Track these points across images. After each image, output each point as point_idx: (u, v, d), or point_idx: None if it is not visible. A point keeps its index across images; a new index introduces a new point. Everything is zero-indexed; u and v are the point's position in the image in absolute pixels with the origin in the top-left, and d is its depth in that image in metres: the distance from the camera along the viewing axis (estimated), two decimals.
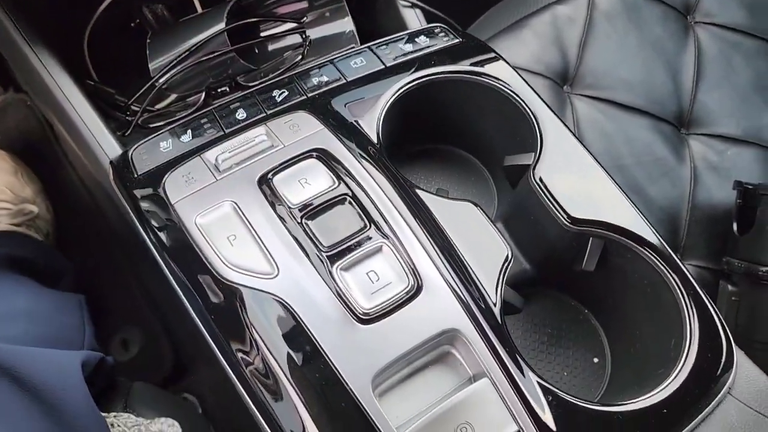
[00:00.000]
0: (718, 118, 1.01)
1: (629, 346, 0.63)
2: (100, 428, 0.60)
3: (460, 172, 0.76)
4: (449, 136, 0.76)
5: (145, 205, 0.59)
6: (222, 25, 0.73)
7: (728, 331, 0.55)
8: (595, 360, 0.66)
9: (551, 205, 0.59)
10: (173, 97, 0.79)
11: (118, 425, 0.65)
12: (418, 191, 0.59)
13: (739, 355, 0.55)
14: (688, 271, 0.57)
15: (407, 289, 0.52)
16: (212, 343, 0.53)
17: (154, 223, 0.58)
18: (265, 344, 0.50)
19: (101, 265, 1.11)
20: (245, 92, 0.67)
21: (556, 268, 0.64)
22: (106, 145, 0.67)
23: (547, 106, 0.65)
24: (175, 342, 1.12)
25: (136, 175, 0.61)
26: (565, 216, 0.59)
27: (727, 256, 0.90)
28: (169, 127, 0.65)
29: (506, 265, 0.56)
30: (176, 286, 0.56)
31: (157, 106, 0.78)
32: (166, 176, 0.59)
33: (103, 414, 0.64)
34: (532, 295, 0.69)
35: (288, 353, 0.50)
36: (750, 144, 1.01)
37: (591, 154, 0.62)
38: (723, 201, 0.95)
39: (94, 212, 1.09)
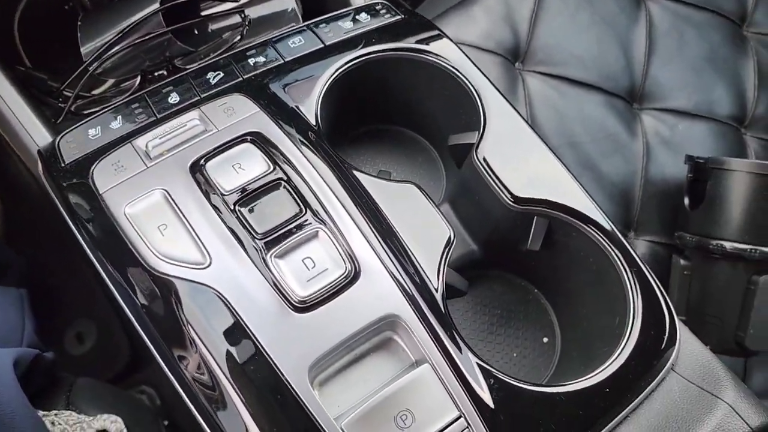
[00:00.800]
0: (670, 92, 1.01)
1: (577, 325, 0.63)
2: (36, 428, 0.58)
3: (408, 153, 0.75)
4: (396, 116, 0.74)
5: (72, 195, 0.56)
6: (156, 5, 0.70)
7: (671, 306, 0.55)
8: (545, 340, 0.65)
9: (494, 185, 0.58)
10: (111, 82, 0.76)
11: (59, 423, 0.63)
12: (358, 174, 0.57)
13: (682, 330, 0.55)
14: (632, 247, 0.56)
15: (344, 275, 0.50)
16: (146, 339, 0.52)
17: (82, 214, 0.55)
18: (198, 337, 0.49)
19: (54, 258, 1.08)
20: (178, 75, 0.65)
21: (502, 248, 0.63)
22: (36, 134, 0.64)
23: (491, 83, 0.64)
24: (130, 333, 1.09)
25: (63, 165, 0.58)
26: (509, 195, 0.58)
27: (679, 231, 0.90)
28: (98, 114, 0.62)
29: (448, 248, 0.55)
30: (108, 281, 0.53)
31: (95, 92, 0.75)
32: (95, 165, 0.57)
33: (44, 412, 0.62)
34: (480, 276, 0.68)
35: (223, 346, 0.48)
36: (702, 118, 1.01)
37: (535, 132, 0.61)
38: (675, 176, 0.95)
39: (44, 203, 1.05)
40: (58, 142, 0.60)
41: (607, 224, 0.57)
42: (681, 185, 0.93)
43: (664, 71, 1.02)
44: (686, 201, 0.90)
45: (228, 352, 0.48)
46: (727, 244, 0.83)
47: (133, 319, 0.52)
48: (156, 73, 0.74)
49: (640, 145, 0.96)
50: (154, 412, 0.86)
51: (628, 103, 1.00)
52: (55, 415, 0.64)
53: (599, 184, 0.92)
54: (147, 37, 0.71)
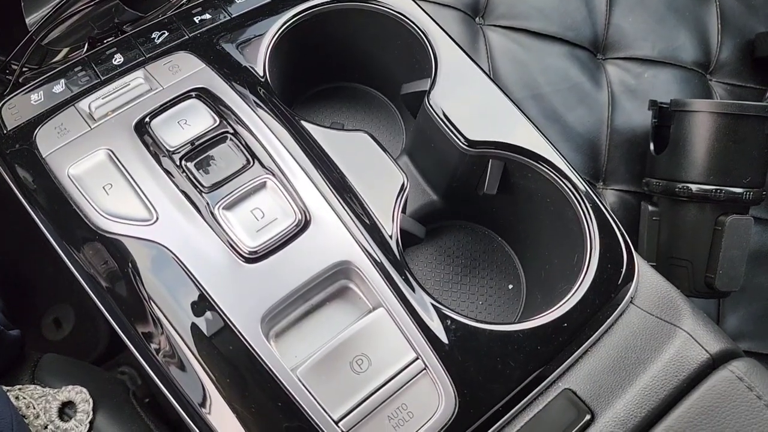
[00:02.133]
0: (634, 41, 1.00)
1: (540, 268, 0.62)
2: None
3: (366, 109, 0.74)
4: (351, 72, 0.73)
5: (16, 162, 0.55)
6: None
7: (629, 241, 0.54)
8: (510, 286, 0.65)
9: (447, 130, 0.57)
10: (63, 53, 0.74)
11: (24, 397, 0.62)
12: (308, 125, 0.56)
13: (642, 264, 0.55)
14: (586, 183, 0.56)
15: (294, 223, 0.49)
16: (97, 301, 0.51)
17: (27, 180, 0.54)
18: (148, 295, 0.48)
19: (26, 244, 1.06)
20: (121, 37, 0.63)
21: (462, 196, 0.62)
22: None
23: (441, 28, 0.62)
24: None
25: (5, 132, 0.56)
26: (462, 139, 0.57)
27: (646, 177, 0.90)
28: (40, 80, 0.60)
29: (402, 193, 0.54)
30: (56, 246, 0.52)
31: (52, 62, 0.73)
32: (38, 130, 0.55)
33: (7, 387, 0.61)
34: (444, 227, 0.68)
35: (173, 302, 0.47)
36: (667, 65, 1.00)
37: (486, 74, 0.60)
38: (642, 124, 0.95)
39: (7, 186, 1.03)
40: (0, 110, 0.58)
41: (560, 162, 0.56)
42: (647, 133, 0.92)
43: (626, 20, 1.01)
44: (651, 146, 0.89)
45: (179, 308, 0.47)
46: (693, 186, 0.83)
47: (83, 283, 0.51)
48: (105, 41, 0.72)
49: (605, 95, 0.96)
50: (126, 387, 0.85)
51: (591, 53, 0.99)
52: (19, 389, 0.63)
53: (565, 136, 0.91)
54: (93, 4, 0.69)
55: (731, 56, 1.04)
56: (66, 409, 0.63)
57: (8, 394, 0.60)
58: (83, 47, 0.72)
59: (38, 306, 1.07)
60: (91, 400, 0.63)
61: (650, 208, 0.88)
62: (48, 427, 0.61)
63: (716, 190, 0.82)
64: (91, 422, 0.62)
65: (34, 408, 0.62)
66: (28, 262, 1.04)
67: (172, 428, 0.69)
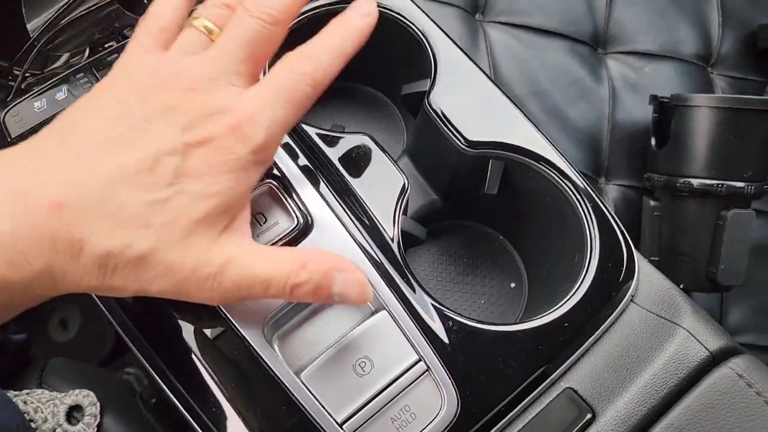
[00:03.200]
0: (635, 35, 1.00)
1: (542, 267, 0.63)
2: (2, 405, 0.58)
3: (367, 110, 0.74)
4: (351, 72, 0.73)
5: None
6: None
7: (629, 240, 0.54)
8: (512, 285, 0.65)
9: (447, 130, 0.57)
10: (64, 58, 0.75)
11: (32, 402, 0.63)
12: (307, 127, 0.56)
13: (642, 263, 0.55)
14: (587, 183, 0.56)
15: (296, 227, 0.50)
16: (102, 306, 0.51)
17: None
18: (151, 300, 0.48)
19: None
20: (122, 42, 0.63)
21: (463, 195, 0.63)
22: None
23: (439, 28, 0.63)
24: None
25: (10, 140, 0.57)
26: (462, 140, 0.57)
27: (647, 172, 0.90)
28: (43, 87, 0.61)
29: (403, 195, 0.54)
30: None
31: (54, 68, 0.73)
32: None
33: (15, 392, 0.62)
34: (445, 227, 0.68)
35: (176, 307, 0.48)
36: (667, 58, 1.00)
37: (485, 74, 0.60)
38: (642, 118, 0.95)
39: None
40: (3, 118, 0.59)
41: (560, 161, 0.56)
42: (648, 128, 0.92)
43: (627, 14, 1.01)
44: (653, 141, 0.90)
45: (182, 313, 0.48)
46: (695, 181, 0.83)
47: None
48: (106, 45, 0.72)
49: (606, 90, 0.96)
50: (133, 389, 0.86)
51: (592, 48, 0.99)
52: (27, 394, 0.63)
53: (566, 132, 0.91)
54: (94, 8, 0.70)
55: (732, 49, 1.04)
56: (74, 413, 0.63)
57: (17, 398, 0.61)
58: (84, 52, 0.72)
59: (44, 306, 1.08)
60: (98, 404, 0.64)
61: (652, 203, 0.88)
62: (56, 430, 0.62)
63: (718, 184, 0.82)
64: (98, 425, 0.63)
65: (42, 412, 0.63)
66: None
67: (179, 428, 0.69)
